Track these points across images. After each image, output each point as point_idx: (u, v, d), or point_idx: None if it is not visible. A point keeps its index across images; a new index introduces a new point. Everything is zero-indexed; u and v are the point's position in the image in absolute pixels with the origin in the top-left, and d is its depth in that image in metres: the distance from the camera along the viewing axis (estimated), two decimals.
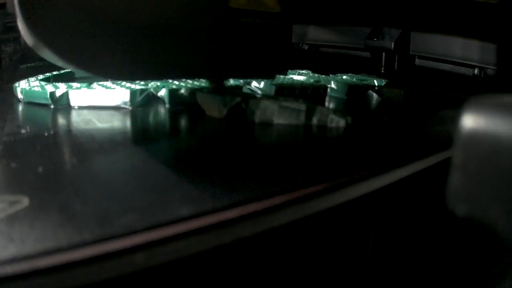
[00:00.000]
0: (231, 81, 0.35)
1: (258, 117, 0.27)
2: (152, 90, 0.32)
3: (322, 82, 0.38)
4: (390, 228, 0.24)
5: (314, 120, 0.27)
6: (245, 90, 0.35)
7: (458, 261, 0.28)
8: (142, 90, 0.32)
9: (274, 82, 0.35)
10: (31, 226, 0.13)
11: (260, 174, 0.18)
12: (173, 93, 0.31)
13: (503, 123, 0.17)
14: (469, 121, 0.18)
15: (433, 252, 0.27)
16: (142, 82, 0.33)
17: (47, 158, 0.20)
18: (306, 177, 0.18)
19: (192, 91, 0.31)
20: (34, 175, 0.18)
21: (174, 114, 0.30)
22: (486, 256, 0.29)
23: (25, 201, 0.15)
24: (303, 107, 0.27)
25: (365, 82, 0.41)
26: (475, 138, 0.18)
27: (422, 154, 0.24)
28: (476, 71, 0.60)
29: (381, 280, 0.23)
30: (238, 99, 0.27)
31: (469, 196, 0.19)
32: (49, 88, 0.33)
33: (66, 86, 0.33)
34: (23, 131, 0.26)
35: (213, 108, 0.28)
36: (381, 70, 0.64)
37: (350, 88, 0.39)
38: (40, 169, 0.18)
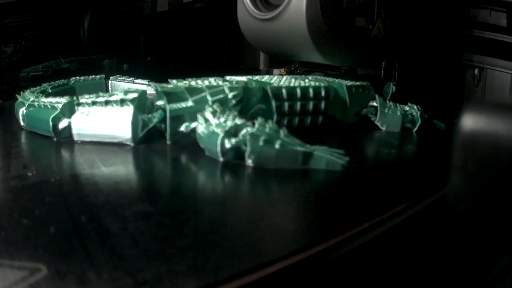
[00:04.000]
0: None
1: (255, 161, 0.29)
2: (153, 125, 0.34)
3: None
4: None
5: (312, 164, 0.29)
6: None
7: (458, 261, 0.30)
8: (143, 125, 0.34)
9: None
10: None
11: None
12: (174, 129, 0.33)
13: (503, 123, 0.18)
14: (469, 121, 0.19)
15: (434, 252, 0.28)
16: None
17: (56, 213, 0.22)
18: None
19: (193, 129, 0.33)
20: (48, 237, 0.20)
21: (175, 154, 0.32)
22: (486, 256, 0.31)
23: (44, 269, 0.18)
24: (300, 151, 0.29)
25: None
26: (475, 138, 0.19)
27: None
28: (476, 71, 0.63)
29: (381, 279, 0.24)
30: (236, 143, 0.29)
31: (469, 196, 0.20)
32: (52, 117, 0.34)
33: (69, 114, 0.34)
34: (29, 173, 0.28)
35: (213, 151, 0.30)
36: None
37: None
38: (53, 229, 0.20)
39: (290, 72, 0.91)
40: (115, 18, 0.96)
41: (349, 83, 0.43)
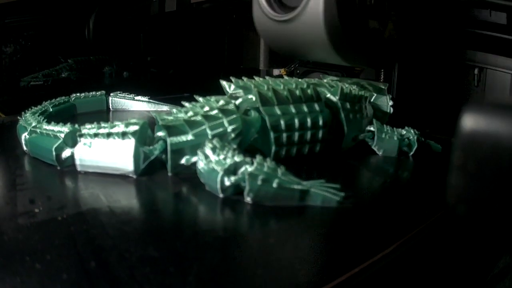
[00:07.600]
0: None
1: (254, 199, 0.31)
2: (155, 156, 0.36)
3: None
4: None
5: (308, 201, 0.32)
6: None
7: (458, 261, 0.32)
8: (145, 157, 0.36)
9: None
10: None
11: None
12: (175, 162, 0.36)
13: (503, 123, 0.19)
14: (469, 122, 0.20)
15: (434, 252, 0.30)
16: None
17: (67, 258, 0.25)
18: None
19: (194, 162, 0.35)
20: (61, 285, 0.22)
21: (176, 188, 0.35)
22: (486, 256, 0.33)
23: None
24: (297, 190, 0.31)
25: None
26: (475, 138, 0.20)
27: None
28: (476, 71, 0.65)
29: (381, 279, 0.27)
30: (236, 180, 0.31)
31: (469, 196, 0.21)
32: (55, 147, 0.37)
33: (71, 143, 0.37)
34: (36, 210, 0.30)
35: (213, 187, 0.32)
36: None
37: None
38: (65, 276, 0.23)
39: (290, 72, 0.94)
40: (121, 17, 0.97)
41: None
